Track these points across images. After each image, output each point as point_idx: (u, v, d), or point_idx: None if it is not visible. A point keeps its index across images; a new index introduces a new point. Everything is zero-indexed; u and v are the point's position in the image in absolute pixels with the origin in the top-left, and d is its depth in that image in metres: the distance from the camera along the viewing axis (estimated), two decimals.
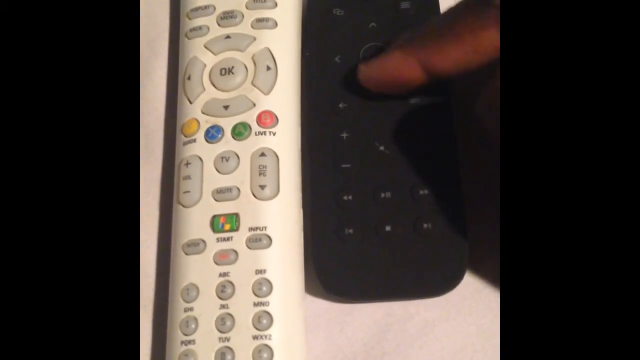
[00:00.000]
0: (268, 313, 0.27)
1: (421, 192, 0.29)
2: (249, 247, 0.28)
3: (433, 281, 0.28)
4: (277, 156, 0.29)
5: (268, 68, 0.30)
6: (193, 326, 0.27)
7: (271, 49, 0.31)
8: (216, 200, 0.29)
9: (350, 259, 0.29)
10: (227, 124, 0.29)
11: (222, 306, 0.27)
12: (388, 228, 0.29)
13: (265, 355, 0.27)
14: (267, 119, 0.29)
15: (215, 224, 0.28)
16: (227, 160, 0.29)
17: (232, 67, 0.30)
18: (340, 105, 0.31)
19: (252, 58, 0.30)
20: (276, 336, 0.27)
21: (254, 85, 0.30)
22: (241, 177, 0.29)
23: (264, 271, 0.27)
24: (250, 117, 0.29)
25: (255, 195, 0.28)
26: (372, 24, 0.32)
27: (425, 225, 0.29)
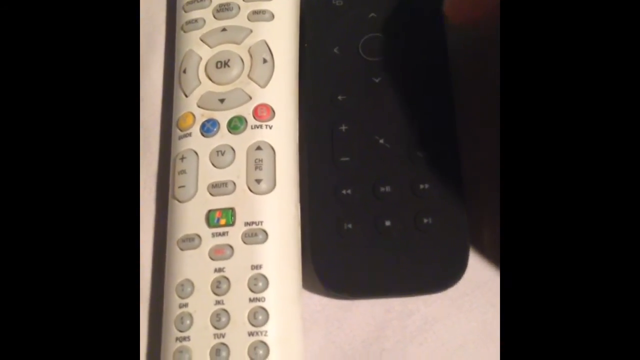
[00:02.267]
0: (264, 309, 0.27)
1: (422, 186, 0.29)
2: (244, 242, 0.27)
3: (434, 277, 0.28)
4: (273, 150, 0.29)
5: (264, 61, 0.30)
6: (188, 322, 0.27)
7: (268, 42, 0.30)
8: (212, 194, 0.28)
9: (349, 255, 0.28)
10: (223, 117, 0.29)
11: (217, 302, 0.27)
12: (388, 223, 0.28)
13: (261, 351, 0.26)
14: (264, 113, 0.29)
15: (211, 218, 0.28)
16: (222, 155, 0.28)
17: (228, 60, 0.30)
18: (339, 97, 0.30)
19: (249, 51, 0.30)
20: (272, 332, 0.26)
21: (250, 78, 0.30)
22: (237, 171, 0.28)
23: (260, 266, 0.27)
24: (247, 111, 0.29)
25: (251, 189, 0.28)
26: (372, 14, 0.32)
27: (425, 220, 0.28)
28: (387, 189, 0.29)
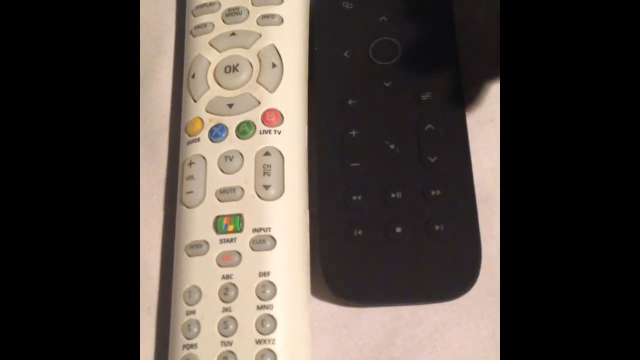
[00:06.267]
0: (272, 316, 0.26)
1: (433, 192, 0.28)
2: (252, 249, 0.27)
3: (445, 285, 0.27)
4: (282, 155, 0.28)
5: (273, 65, 0.30)
6: (195, 330, 0.27)
7: (277, 46, 0.30)
8: (220, 200, 0.28)
9: (359, 262, 0.28)
10: (232, 122, 0.29)
11: (225, 309, 0.27)
12: (398, 230, 0.28)
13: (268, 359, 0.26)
14: (272, 118, 0.29)
15: (219, 224, 0.28)
16: (231, 160, 0.28)
17: (237, 64, 0.30)
18: (350, 101, 0.30)
19: (258, 55, 0.30)
20: (280, 340, 0.26)
21: (259, 83, 0.29)
22: (245, 177, 0.28)
23: (268, 273, 0.27)
24: (255, 116, 0.29)
25: (260, 195, 0.28)
26: (383, 17, 0.31)
27: (437, 227, 0.28)
28: (398, 195, 0.28)
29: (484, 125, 0.30)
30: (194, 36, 0.31)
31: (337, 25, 0.31)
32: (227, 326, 0.26)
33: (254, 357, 0.26)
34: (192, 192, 0.28)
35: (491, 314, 0.28)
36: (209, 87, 0.30)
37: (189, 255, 0.28)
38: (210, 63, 0.30)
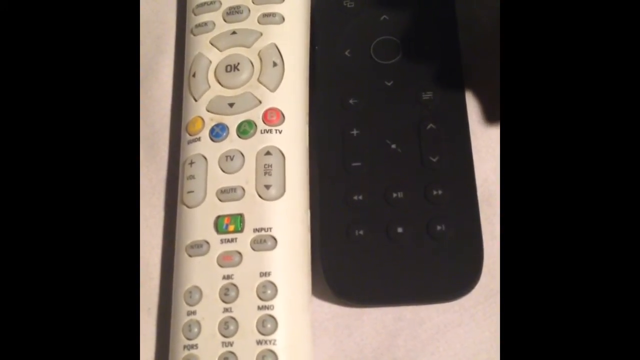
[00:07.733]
0: (273, 317, 0.26)
1: (434, 192, 0.28)
2: (253, 249, 0.27)
3: (446, 286, 0.27)
4: (283, 155, 0.28)
5: (274, 64, 0.29)
6: (196, 330, 0.26)
7: (278, 45, 0.30)
8: (220, 200, 0.28)
9: (360, 262, 0.28)
10: (232, 122, 0.29)
11: (226, 310, 0.26)
12: (400, 230, 0.28)
13: None
14: (273, 117, 0.29)
15: (219, 224, 0.27)
16: (231, 160, 0.28)
17: (238, 63, 0.29)
18: (351, 101, 0.30)
19: (259, 54, 0.30)
20: (281, 341, 0.26)
21: (260, 82, 0.29)
22: (246, 177, 0.28)
23: (269, 274, 0.27)
24: (256, 115, 0.29)
25: (261, 195, 0.28)
26: (384, 16, 0.31)
27: (438, 227, 0.28)
28: (399, 194, 0.28)
29: (486, 125, 0.30)
30: (194, 35, 0.31)
31: (338, 24, 0.31)
32: (227, 327, 0.26)
33: (254, 358, 0.26)
34: (192, 191, 0.28)
35: (493, 314, 0.28)
36: (209, 86, 0.30)
37: (190, 256, 0.27)
38: (211, 62, 0.30)
